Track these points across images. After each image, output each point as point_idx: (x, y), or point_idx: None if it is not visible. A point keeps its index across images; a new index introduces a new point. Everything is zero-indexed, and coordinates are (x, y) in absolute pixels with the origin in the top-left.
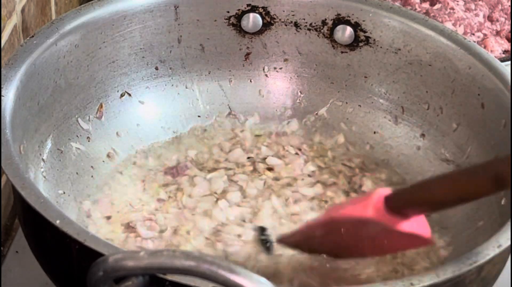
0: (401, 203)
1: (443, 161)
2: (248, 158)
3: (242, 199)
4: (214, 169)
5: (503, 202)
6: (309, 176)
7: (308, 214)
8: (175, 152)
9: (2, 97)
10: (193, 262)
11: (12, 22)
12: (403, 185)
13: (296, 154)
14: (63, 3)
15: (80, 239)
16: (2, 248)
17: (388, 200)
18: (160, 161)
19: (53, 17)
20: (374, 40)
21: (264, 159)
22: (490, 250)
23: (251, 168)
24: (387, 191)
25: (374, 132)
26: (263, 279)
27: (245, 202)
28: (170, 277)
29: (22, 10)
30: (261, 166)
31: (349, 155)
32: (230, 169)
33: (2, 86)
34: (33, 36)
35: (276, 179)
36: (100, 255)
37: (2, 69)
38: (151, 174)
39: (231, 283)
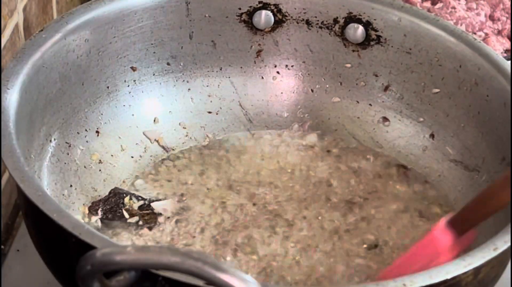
0: (464, 225)
1: (451, 161)
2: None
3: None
4: (231, 187)
5: None
6: (328, 186)
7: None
8: (190, 161)
9: (7, 91)
10: (179, 258)
11: (14, 21)
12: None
13: (309, 157)
14: (65, 2)
15: (75, 233)
16: (3, 246)
17: (451, 226)
18: (177, 165)
19: (55, 15)
20: (385, 39)
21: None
22: (486, 252)
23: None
24: (443, 224)
25: (385, 132)
26: (249, 277)
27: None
28: (162, 272)
29: (24, 9)
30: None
31: (359, 155)
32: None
33: (9, 79)
34: (42, 30)
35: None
36: (94, 249)
37: (10, 62)
38: (168, 178)
39: (217, 280)
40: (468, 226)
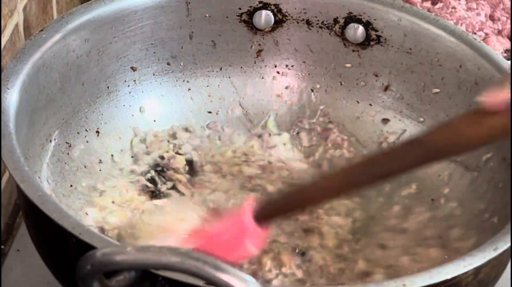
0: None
1: (451, 161)
2: None
3: None
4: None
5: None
6: None
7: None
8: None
9: (7, 91)
10: (178, 258)
11: (14, 21)
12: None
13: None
14: (65, 2)
15: (75, 233)
16: (3, 246)
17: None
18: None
19: (55, 16)
20: (385, 39)
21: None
22: (486, 253)
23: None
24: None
25: (385, 132)
26: (249, 277)
27: None
28: (162, 272)
29: (24, 9)
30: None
31: (359, 156)
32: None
33: (9, 79)
34: (42, 30)
35: None
36: (94, 249)
37: (10, 62)
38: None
39: (217, 280)
40: (269, 218)
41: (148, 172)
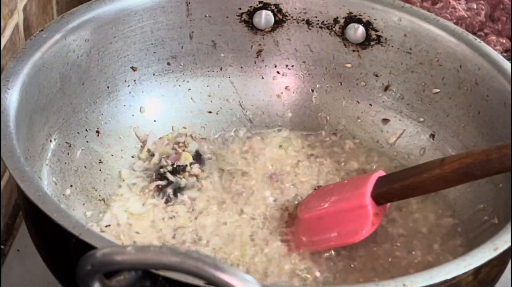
0: (391, 188)
1: None
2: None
3: None
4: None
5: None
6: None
7: None
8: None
9: (7, 91)
10: (179, 258)
11: (14, 21)
12: None
13: (309, 157)
14: (65, 2)
15: (75, 233)
16: (3, 246)
17: (379, 184)
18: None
19: (55, 15)
20: (386, 39)
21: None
22: (486, 252)
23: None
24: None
25: (385, 132)
26: (249, 277)
27: None
28: (163, 272)
29: (24, 9)
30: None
31: (359, 156)
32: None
33: (9, 79)
34: (42, 30)
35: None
36: (94, 249)
37: (10, 62)
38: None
39: (217, 280)
40: (390, 200)
41: (149, 171)
